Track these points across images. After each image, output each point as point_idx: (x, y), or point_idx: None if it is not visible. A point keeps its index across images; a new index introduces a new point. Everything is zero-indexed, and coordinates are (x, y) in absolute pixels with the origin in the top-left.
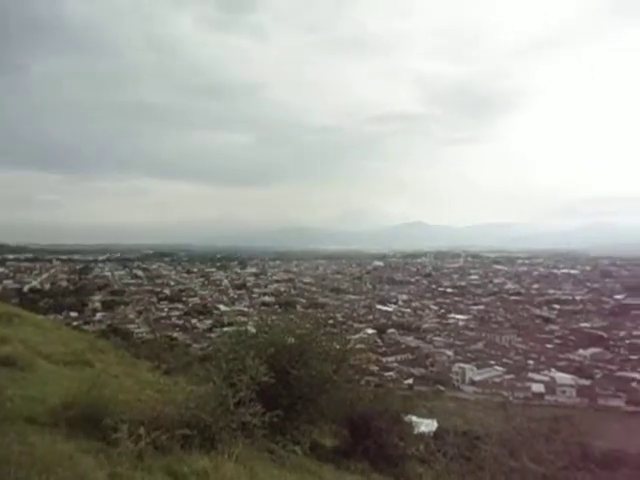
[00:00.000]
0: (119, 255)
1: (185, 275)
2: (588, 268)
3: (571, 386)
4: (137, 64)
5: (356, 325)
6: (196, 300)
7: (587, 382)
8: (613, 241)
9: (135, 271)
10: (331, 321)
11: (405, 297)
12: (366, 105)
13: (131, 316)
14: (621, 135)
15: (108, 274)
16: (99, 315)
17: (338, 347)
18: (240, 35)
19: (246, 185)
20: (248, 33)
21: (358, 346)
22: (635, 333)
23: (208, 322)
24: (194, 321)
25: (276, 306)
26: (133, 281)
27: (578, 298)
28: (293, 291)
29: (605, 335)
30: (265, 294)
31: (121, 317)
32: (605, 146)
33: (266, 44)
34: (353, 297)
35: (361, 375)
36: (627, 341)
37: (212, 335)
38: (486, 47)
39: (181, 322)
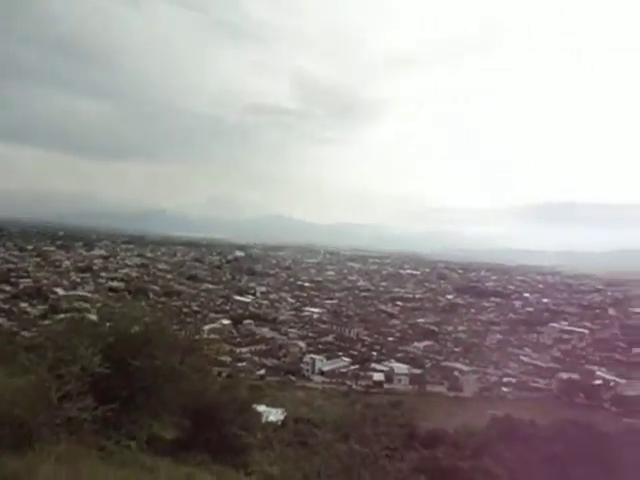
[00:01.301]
0: None
1: (17, 253)
2: (428, 270)
3: (406, 375)
4: None
5: (212, 315)
6: (28, 282)
7: (419, 371)
8: (451, 247)
9: None
10: (186, 310)
11: (264, 289)
12: (242, 95)
13: None
14: (468, 150)
15: None
16: None
17: (187, 337)
18: None
19: (103, 159)
20: None
21: (212, 336)
22: (460, 328)
23: (41, 307)
24: (24, 305)
25: (126, 293)
26: None
27: (418, 296)
28: (146, 277)
29: (436, 329)
30: (114, 279)
31: None
32: (451, 160)
33: (136, 11)
34: (211, 286)
35: (212, 365)
36: (453, 335)
37: (46, 322)
38: (360, 55)
39: (7, 306)
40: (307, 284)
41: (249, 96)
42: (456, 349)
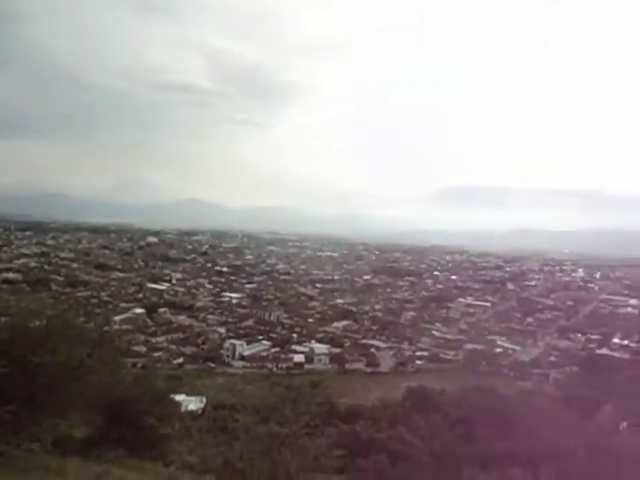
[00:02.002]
0: None
1: None
2: (346, 252)
3: (326, 354)
4: None
5: (123, 305)
6: None
7: (338, 350)
8: (368, 229)
9: None
10: (94, 301)
11: (179, 275)
12: (154, 71)
13: None
14: (386, 136)
15: None
16: None
17: (96, 329)
18: None
19: None
20: None
21: (124, 327)
22: (377, 307)
23: None
24: None
25: (24, 284)
26: None
27: (336, 278)
28: (47, 267)
29: (355, 309)
30: (9, 270)
31: None
32: (366, 145)
33: None
34: (121, 275)
35: (126, 357)
36: (371, 314)
37: None
38: (280, 37)
39: None
40: (225, 269)
41: (161, 73)
42: (373, 327)
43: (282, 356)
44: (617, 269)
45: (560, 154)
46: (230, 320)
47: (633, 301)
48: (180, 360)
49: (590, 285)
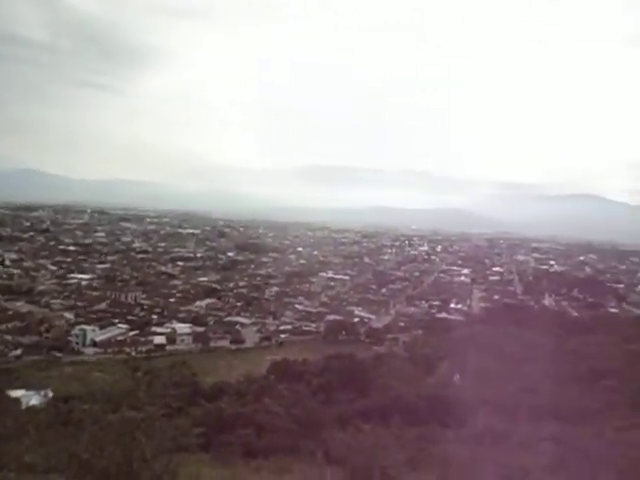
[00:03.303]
0: None
1: None
2: (209, 229)
3: (189, 334)
4: None
5: None
6: None
7: (202, 329)
8: (231, 206)
9: None
10: None
11: (14, 256)
12: None
13: None
14: (251, 111)
15: None
16: None
17: None
18: None
19: None
20: None
21: None
22: (241, 284)
23: None
24: None
25: None
26: None
27: (199, 255)
28: None
29: (218, 287)
30: None
31: None
32: (232, 119)
33: None
34: None
35: None
36: (235, 291)
37: None
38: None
39: None
40: (72, 248)
41: None
42: (238, 304)
43: (141, 339)
44: (455, 243)
45: (408, 139)
46: (79, 304)
47: (465, 271)
48: (18, 352)
49: (433, 258)
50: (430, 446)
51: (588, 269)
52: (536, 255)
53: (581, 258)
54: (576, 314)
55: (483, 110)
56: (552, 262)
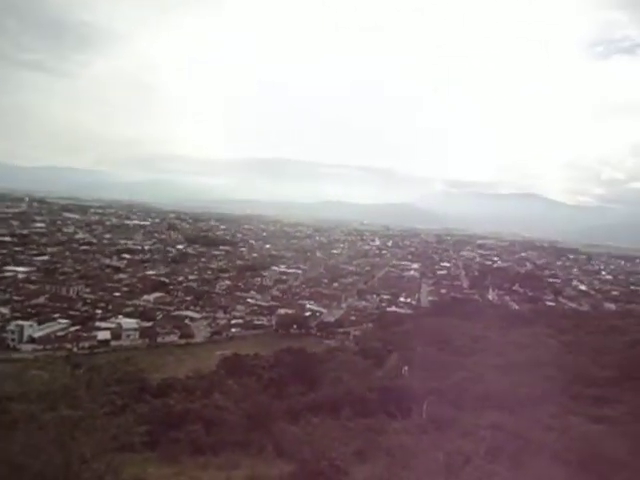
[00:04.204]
0: None
1: None
2: (157, 220)
3: (135, 329)
4: None
5: None
6: None
7: (149, 324)
8: (181, 197)
9: None
10: None
11: None
12: None
13: None
14: (202, 100)
15: None
16: None
17: None
18: None
19: None
20: None
21: None
22: (191, 277)
23: None
24: None
25: None
26: None
27: (147, 248)
28: None
29: (167, 280)
30: None
31: None
32: (182, 108)
33: None
34: None
35: None
36: (184, 285)
37: None
38: None
39: None
40: (8, 239)
41: None
42: (187, 298)
43: (84, 334)
44: (405, 238)
45: (363, 137)
46: (16, 298)
47: (415, 265)
48: None
49: (384, 252)
50: (377, 437)
51: (529, 265)
52: (481, 251)
53: (523, 254)
54: (517, 307)
55: (443, 111)
56: (496, 258)
